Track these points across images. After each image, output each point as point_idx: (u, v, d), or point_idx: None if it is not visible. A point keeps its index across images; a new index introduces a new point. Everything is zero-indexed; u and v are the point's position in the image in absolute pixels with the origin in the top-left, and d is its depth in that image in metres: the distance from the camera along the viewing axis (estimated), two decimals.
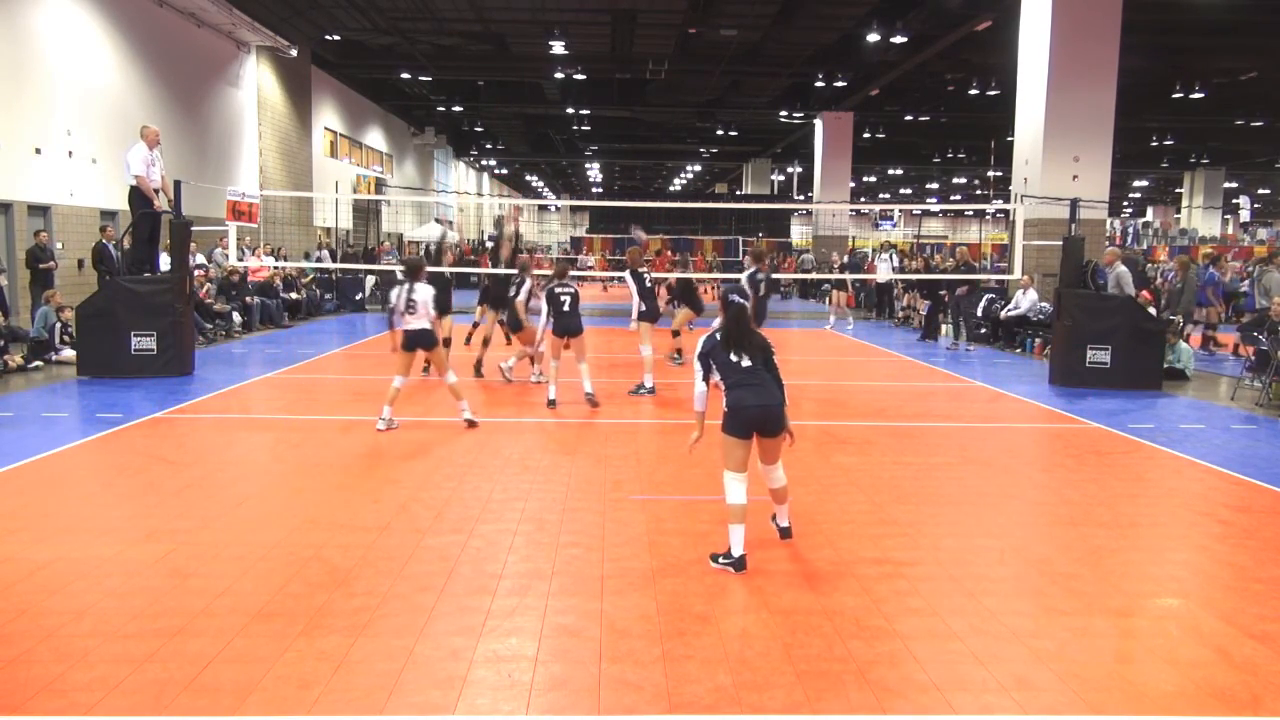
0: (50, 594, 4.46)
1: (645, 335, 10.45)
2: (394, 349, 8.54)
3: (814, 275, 25.96)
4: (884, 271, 22.69)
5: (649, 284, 10.74)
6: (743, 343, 5.10)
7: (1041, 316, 15.10)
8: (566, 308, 9.45)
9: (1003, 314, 15.94)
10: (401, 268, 9.40)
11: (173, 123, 19.33)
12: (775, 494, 5.33)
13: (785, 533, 5.43)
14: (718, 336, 5.16)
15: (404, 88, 34.02)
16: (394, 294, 8.43)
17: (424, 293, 8.31)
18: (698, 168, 58.10)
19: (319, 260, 24.39)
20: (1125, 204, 61.80)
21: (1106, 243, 17.61)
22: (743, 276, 10.88)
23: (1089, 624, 4.34)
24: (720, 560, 4.93)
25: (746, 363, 5.03)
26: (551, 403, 9.51)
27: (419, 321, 8.30)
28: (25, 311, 14.11)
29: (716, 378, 5.10)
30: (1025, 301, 15.54)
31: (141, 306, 11.00)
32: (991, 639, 4.14)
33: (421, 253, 34.58)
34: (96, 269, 14.61)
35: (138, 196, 11.52)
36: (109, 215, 16.99)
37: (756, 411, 4.94)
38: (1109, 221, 31.05)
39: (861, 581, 4.80)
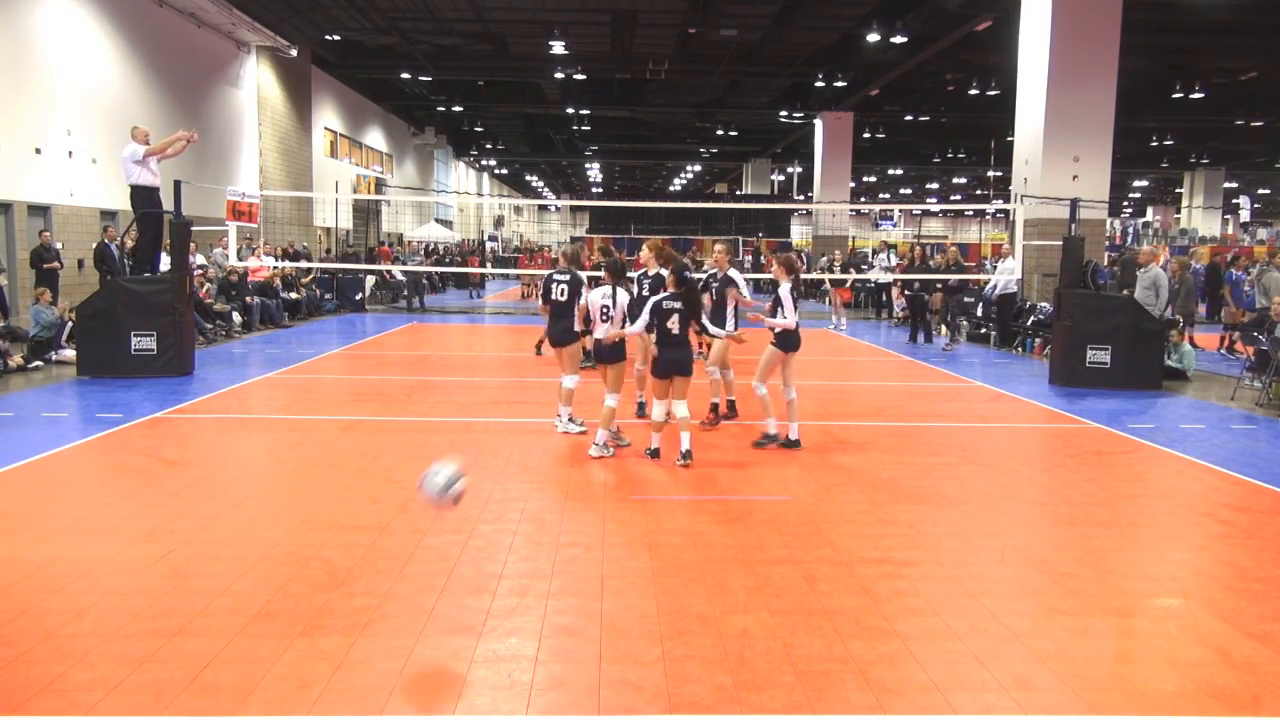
0: (50, 594, 4.46)
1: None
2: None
3: (813, 275, 26.01)
4: (881, 271, 22.76)
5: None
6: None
7: (1042, 316, 15.07)
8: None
9: (988, 293, 15.97)
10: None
11: (173, 123, 19.29)
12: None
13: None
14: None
15: (404, 88, 34.02)
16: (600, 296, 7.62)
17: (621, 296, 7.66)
18: (698, 168, 58.09)
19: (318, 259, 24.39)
20: (1125, 204, 61.78)
21: (1142, 242, 17.63)
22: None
23: (1089, 624, 4.34)
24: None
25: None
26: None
27: (601, 330, 7.55)
28: (26, 311, 14.11)
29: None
30: (1003, 276, 15.54)
31: (141, 306, 10.99)
32: (991, 639, 4.14)
33: (425, 250, 34.57)
34: (98, 269, 14.60)
35: (139, 197, 11.52)
36: (109, 215, 17.01)
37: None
38: (1109, 221, 31.04)
39: (861, 581, 4.80)
